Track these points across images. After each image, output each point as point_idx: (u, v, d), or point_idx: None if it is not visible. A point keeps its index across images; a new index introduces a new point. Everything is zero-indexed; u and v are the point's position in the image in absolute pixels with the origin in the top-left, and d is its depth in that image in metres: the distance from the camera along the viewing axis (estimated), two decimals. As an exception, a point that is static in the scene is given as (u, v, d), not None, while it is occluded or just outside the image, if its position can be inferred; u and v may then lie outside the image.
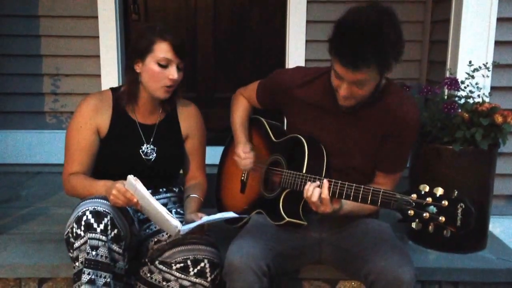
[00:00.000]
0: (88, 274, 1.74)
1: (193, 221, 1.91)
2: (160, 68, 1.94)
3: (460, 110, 2.29)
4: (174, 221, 1.76)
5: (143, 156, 2.07)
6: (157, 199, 2.10)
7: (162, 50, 1.93)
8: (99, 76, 3.47)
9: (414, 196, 1.55)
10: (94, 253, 1.74)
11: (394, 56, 1.68)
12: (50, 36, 3.49)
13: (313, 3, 3.43)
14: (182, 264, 1.89)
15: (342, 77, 1.72)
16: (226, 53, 3.75)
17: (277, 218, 1.93)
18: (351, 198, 1.69)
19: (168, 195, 2.18)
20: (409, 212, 1.55)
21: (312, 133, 1.94)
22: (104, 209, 1.77)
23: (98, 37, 3.45)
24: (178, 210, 2.15)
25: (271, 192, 2.01)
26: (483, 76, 2.48)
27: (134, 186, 1.73)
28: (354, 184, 1.69)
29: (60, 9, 3.45)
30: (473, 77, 2.42)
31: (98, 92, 2.12)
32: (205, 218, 1.87)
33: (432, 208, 1.51)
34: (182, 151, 2.17)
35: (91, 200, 1.81)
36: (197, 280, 1.88)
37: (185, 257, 1.89)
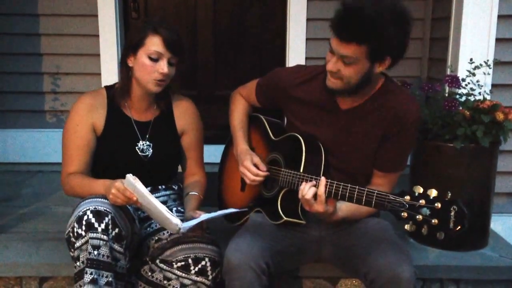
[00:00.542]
0: (91, 274, 1.74)
1: (191, 218, 1.91)
2: (151, 61, 1.93)
3: (461, 108, 2.29)
4: (174, 219, 1.76)
5: (140, 153, 2.06)
6: (157, 197, 2.10)
7: (153, 43, 1.93)
8: (99, 74, 3.47)
9: (407, 198, 1.55)
10: (96, 252, 1.74)
11: (389, 49, 1.69)
12: (50, 34, 3.49)
13: (313, 1, 3.42)
14: (183, 263, 1.89)
15: (333, 49, 1.72)
16: (226, 51, 3.74)
17: (275, 217, 1.92)
18: (346, 198, 1.69)
19: (168, 192, 2.17)
20: (402, 214, 1.55)
21: (311, 132, 1.94)
22: (105, 208, 1.77)
23: (98, 35, 3.45)
24: (179, 208, 2.15)
25: (269, 191, 2.01)
26: (484, 73, 2.48)
27: (133, 184, 1.73)
28: (349, 185, 1.68)
29: (60, 8, 3.45)
30: (474, 74, 2.42)
31: (93, 91, 2.12)
32: (205, 216, 1.87)
33: (426, 210, 1.51)
34: (178, 147, 2.17)
35: (91, 199, 1.81)
36: (198, 279, 1.88)
37: (186, 255, 1.89)
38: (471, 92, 2.39)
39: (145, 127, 2.09)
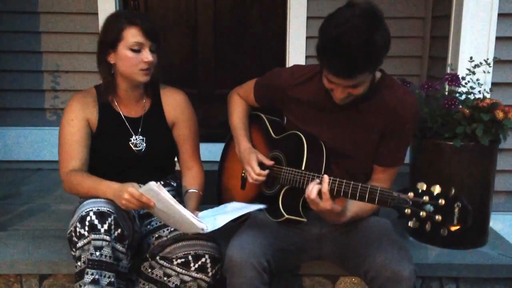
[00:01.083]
0: (92, 274, 1.74)
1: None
2: (134, 53, 1.93)
3: (461, 106, 2.29)
4: (200, 224, 1.74)
5: (133, 148, 2.06)
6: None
7: (132, 35, 1.92)
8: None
9: (411, 194, 1.54)
10: (98, 253, 1.74)
11: (385, 54, 1.68)
12: (50, 32, 3.49)
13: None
14: (183, 259, 1.89)
15: (336, 83, 1.72)
16: (227, 50, 3.74)
17: (276, 215, 1.93)
18: (349, 195, 1.68)
19: (167, 189, 2.16)
20: (406, 210, 1.54)
21: (311, 131, 1.94)
22: (108, 209, 1.77)
23: (98, 33, 3.43)
24: (179, 205, 2.16)
25: (270, 189, 2.01)
26: (484, 72, 2.47)
27: (157, 192, 1.70)
28: (352, 182, 1.68)
29: (60, 6, 3.46)
30: (474, 73, 2.42)
31: (83, 90, 2.11)
32: (227, 218, 1.82)
33: (429, 207, 1.51)
34: (172, 140, 2.16)
35: (94, 200, 1.81)
36: (198, 275, 1.88)
37: (186, 252, 1.89)
38: (471, 90, 2.39)
39: (136, 122, 2.09)
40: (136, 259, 2.00)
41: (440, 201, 1.49)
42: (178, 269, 1.90)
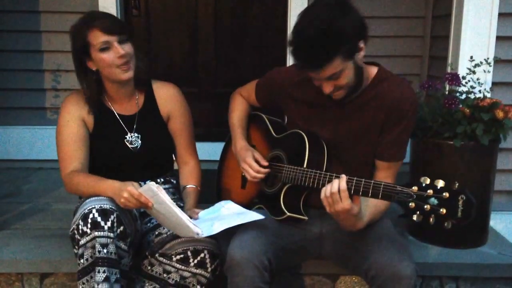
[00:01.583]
0: (104, 272, 1.74)
1: (191, 218, 1.93)
2: (105, 52, 1.93)
3: (461, 106, 2.29)
4: (195, 228, 1.75)
5: (129, 145, 2.07)
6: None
7: (95, 37, 1.92)
8: (99, 72, 3.47)
9: (415, 188, 1.55)
10: (105, 250, 1.74)
11: (355, 39, 1.69)
12: (51, 32, 3.49)
13: (314, -2, 3.42)
14: (182, 255, 1.89)
15: (316, 78, 1.74)
16: (227, 49, 3.75)
17: (278, 213, 1.93)
18: (352, 191, 1.68)
19: (166, 186, 2.18)
20: (410, 204, 1.55)
21: (312, 129, 1.94)
22: (110, 207, 1.77)
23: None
24: (178, 202, 2.16)
25: (271, 188, 2.02)
26: (484, 71, 2.47)
27: (155, 193, 1.71)
28: (355, 178, 1.68)
29: (61, 5, 3.46)
30: (474, 72, 2.42)
31: (77, 90, 2.11)
32: (223, 225, 1.83)
33: (433, 200, 1.51)
34: (167, 134, 2.16)
35: (96, 197, 1.82)
36: (198, 271, 1.88)
37: (185, 248, 1.89)
38: (471, 90, 2.39)
39: (131, 120, 2.09)
40: (136, 257, 2.00)
41: (444, 194, 1.50)
42: (178, 265, 1.90)
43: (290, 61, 3.45)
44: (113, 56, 1.92)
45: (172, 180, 2.22)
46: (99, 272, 1.74)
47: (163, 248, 1.95)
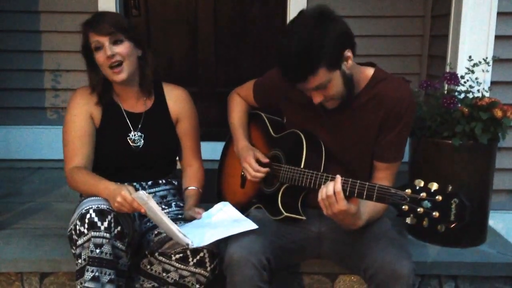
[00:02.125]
0: (92, 271, 1.75)
1: (192, 218, 1.95)
2: (98, 52, 1.96)
3: (459, 105, 2.29)
4: (185, 239, 1.76)
5: (131, 143, 2.08)
6: (157, 191, 2.13)
7: (92, 39, 1.96)
8: (99, 71, 3.48)
9: (408, 191, 1.55)
10: (98, 251, 1.75)
11: (338, 50, 1.69)
12: (50, 31, 3.50)
13: (313, -2, 3.43)
14: (181, 255, 1.89)
15: (304, 89, 1.76)
16: (227, 48, 3.75)
17: (275, 213, 1.94)
18: (347, 193, 1.68)
19: (167, 187, 2.19)
20: (403, 207, 1.55)
21: (310, 130, 1.95)
22: (107, 207, 1.78)
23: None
24: (178, 203, 2.17)
25: (270, 187, 2.02)
26: (483, 70, 2.48)
27: (145, 201, 1.72)
28: (350, 180, 1.68)
29: (60, 5, 3.46)
30: (473, 72, 2.42)
31: (87, 85, 2.12)
32: (216, 236, 1.83)
33: (427, 203, 1.52)
34: (173, 136, 2.17)
35: (94, 197, 1.82)
36: (197, 270, 1.89)
37: (184, 247, 1.90)
38: (470, 89, 2.39)
39: (137, 118, 2.10)
40: (135, 256, 2.01)
41: (437, 197, 1.50)
42: (177, 264, 1.90)
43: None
44: (103, 56, 1.94)
45: (174, 182, 2.22)
46: (87, 271, 1.75)
47: (162, 248, 1.96)
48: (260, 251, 1.77)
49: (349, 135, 1.91)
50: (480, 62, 2.43)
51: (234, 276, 1.76)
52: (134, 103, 2.11)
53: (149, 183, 2.12)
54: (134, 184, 2.06)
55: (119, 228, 1.78)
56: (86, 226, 1.75)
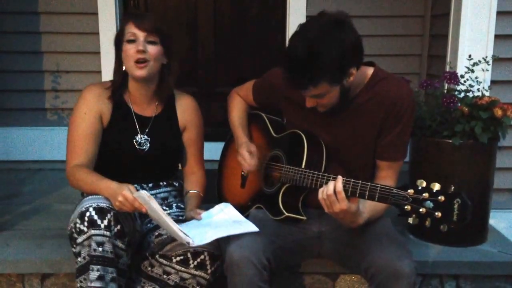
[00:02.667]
0: (97, 270, 1.75)
1: (192, 218, 1.95)
2: (129, 44, 1.97)
3: (459, 104, 2.29)
4: (186, 238, 1.76)
5: (137, 146, 2.08)
6: (158, 193, 2.12)
7: (128, 29, 1.98)
8: (99, 72, 3.48)
9: (411, 191, 1.55)
10: (100, 249, 1.75)
11: (345, 67, 1.69)
12: (50, 32, 3.50)
13: (313, -2, 3.43)
14: (182, 257, 1.90)
15: (300, 92, 1.77)
16: (227, 48, 3.75)
17: (276, 213, 1.94)
18: (349, 193, 1.69)
19: (169, 189, 2.19)
20: (406, 207, 1.55)
21: (311, 130, 1.95)
22: (107, 205, 1.78)
23: (98, 33, 3.46)
24: (179, 204, 2.17)
25: (270, 187, 2.02)
26: (483, 70, 2.48)
27: (147, 201, 1.72)
28: (352, 180, 1.68)
29: (60, 6, 3.46)
30: (473, 71, 2.42)
31: (100, 82, 2.15)
32: (217, 234, 1.83)
33: (429, 203, 1.52)
34: (179, 143, 2.18)
35: (94, 196, 1.82)
36: (197, 273, 1.89)
37: (185, 249, 1.89)
38: (469, 88, 2.40)
39: (146, 122, 2.11)
40: (136, 257, 2.01)
41: (439, 197, 1.50)
42: (177, 267, 1.91)
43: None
44: (134, 49, 1.95)
45: (175, 183, 2.23)
46: (92, 270, 1.75)
47: (163, 249, 1.96)
48: (261, 251, 1.77)
49: (349, 134, 1.91)
50: (480, 61, 2.43)
51: (235, 276, 1.76)
52: (145, 107, 2.11)
53: (150, 185, 2.12)
54: (135, 186, 2.06)
55: (119, 226, 1.78)
56: (86, 224, 1.75)
